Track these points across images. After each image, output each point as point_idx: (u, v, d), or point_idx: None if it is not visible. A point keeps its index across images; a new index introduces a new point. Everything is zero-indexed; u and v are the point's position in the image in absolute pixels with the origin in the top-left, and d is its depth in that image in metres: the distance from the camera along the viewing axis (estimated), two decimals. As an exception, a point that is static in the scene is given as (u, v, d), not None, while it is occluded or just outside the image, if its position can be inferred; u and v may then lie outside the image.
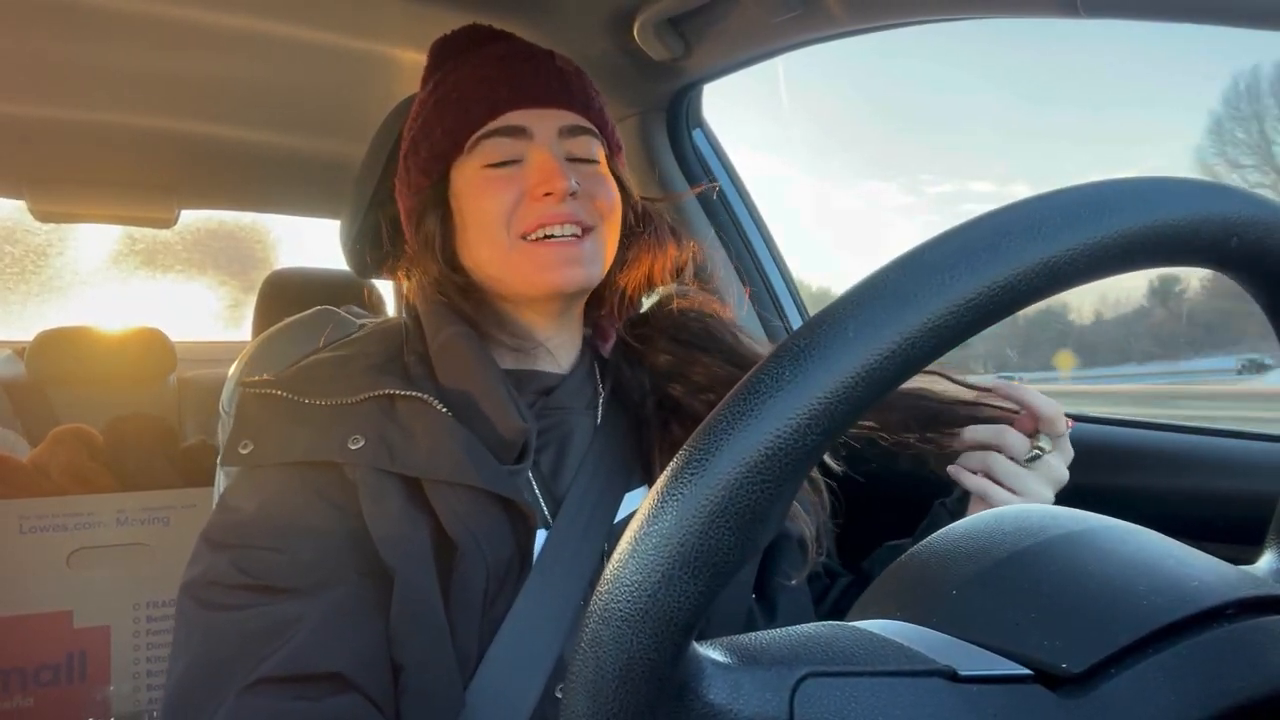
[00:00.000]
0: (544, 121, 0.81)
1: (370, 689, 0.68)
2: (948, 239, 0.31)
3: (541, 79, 0.83)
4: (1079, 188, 0.32)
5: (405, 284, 0.89)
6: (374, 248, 0.94)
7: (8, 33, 1.32)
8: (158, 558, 1.50)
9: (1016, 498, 0.78)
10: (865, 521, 0.94)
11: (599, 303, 0.90)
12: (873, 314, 0.29)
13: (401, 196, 0.88)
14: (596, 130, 0.85)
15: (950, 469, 0.84)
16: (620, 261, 0.88)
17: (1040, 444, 0.79)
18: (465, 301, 0.82)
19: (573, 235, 0.79)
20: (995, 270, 0.30)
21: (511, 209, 0.79)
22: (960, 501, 0.87)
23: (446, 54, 0.89)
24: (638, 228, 0.89)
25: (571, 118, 0.83)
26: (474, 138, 0.81)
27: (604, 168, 0.85)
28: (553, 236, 0.79)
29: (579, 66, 0.87)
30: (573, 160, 0.82)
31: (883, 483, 0.94)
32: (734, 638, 0.32)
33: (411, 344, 0.84)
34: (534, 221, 0.78)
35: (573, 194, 0.79)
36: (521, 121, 0.81)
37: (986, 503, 0.79)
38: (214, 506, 1.00)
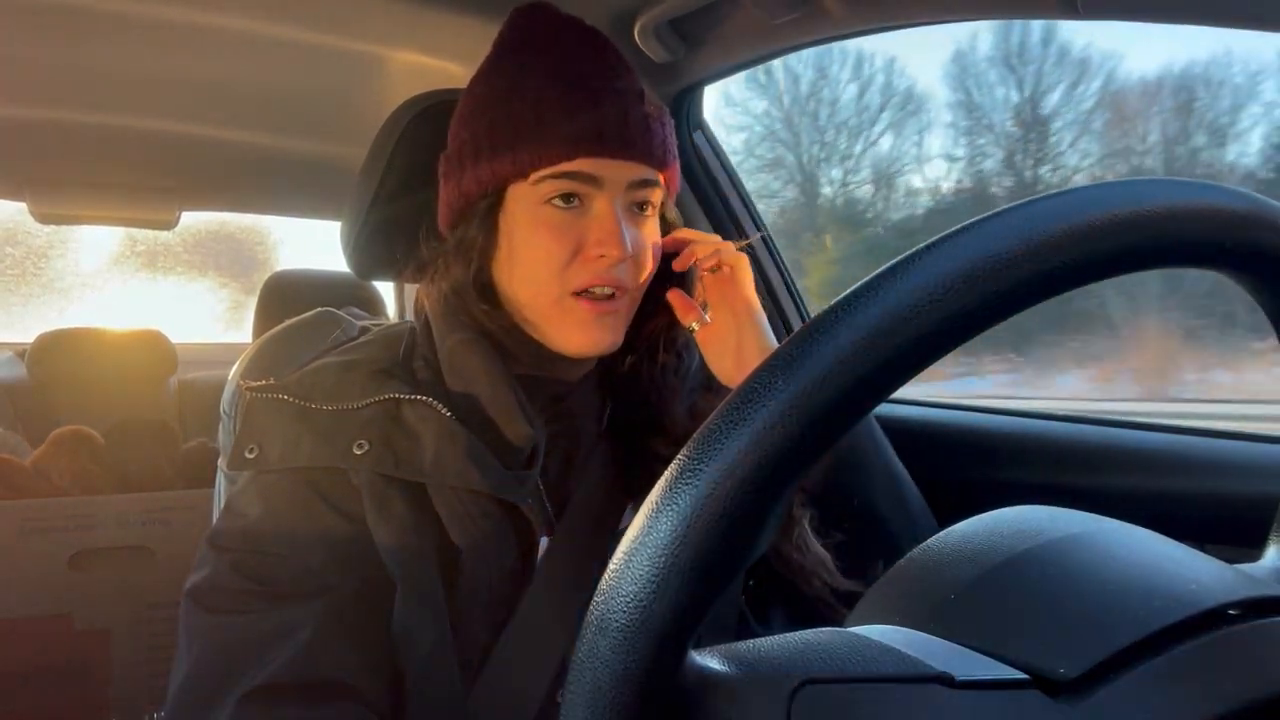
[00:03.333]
0: (618, 173, 0.76)
1: (373, 696, 0.68)
2: (938, 246, 0.31)
3: (626, 128, 0.77)
4: (1071, 191, 0.32)
5: (425, 285, 0.86)
6: (398, 241, 0.91)
7: (8, 35, 1.32)
8: (158, 560, 1.50)
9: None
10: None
11: None
12: (865, 321, 0.29)
13: (447, 187, 0.83)
14: (663, 181, 0.81)
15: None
16: (651, 307, 0.86)
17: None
18: (484, 318, 0.81)
19: (608, 296, 0.78)
20: (987, 277, 0.30)
21: (567, 260, 0.76)
22: None
23: (527, 40, 0.83)
24: (673, 276, 0.87)
25: (646, 172, 0.78)
26: (542, 174, 0.76)
27: (656, 217, 0.82)
28: (592, 293, 0.77)
29: (663, 109, 0.82)
30: (632, 208, 0.79)
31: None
32: (731, 645, 0.32)
33: (420, 348, 0.83)
34: (585, 281, 0.77)
35: (623, 260, 0.77)
36: (595, 170, 0.76)
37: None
38: (215, 509, 1.00)
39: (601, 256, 0.76)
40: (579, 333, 0.78)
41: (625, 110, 0.77)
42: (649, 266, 0.81)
